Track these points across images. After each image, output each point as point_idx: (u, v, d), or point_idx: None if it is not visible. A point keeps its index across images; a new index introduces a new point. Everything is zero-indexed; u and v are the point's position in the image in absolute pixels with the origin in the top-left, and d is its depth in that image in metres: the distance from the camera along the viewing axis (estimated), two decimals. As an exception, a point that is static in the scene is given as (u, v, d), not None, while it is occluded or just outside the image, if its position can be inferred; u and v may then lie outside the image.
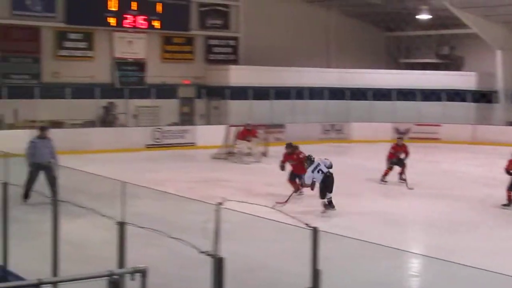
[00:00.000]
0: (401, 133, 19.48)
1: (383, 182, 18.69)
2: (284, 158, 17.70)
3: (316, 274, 5.93)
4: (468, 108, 32.96)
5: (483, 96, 32.68)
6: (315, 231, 5.93)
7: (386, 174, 18.96)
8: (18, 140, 23.70)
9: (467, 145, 29.37)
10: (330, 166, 15.37)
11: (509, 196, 15.02)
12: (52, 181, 14.74)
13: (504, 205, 14.98)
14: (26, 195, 14.64)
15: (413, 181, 17.93)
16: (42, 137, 15.91)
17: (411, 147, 28.40)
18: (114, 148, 25.39)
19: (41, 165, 15.25)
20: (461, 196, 15.99)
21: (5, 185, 9.77)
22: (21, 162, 15.11)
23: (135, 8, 30.46)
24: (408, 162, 19.23)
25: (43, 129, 16.29)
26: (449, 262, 7.15)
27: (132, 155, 22.60)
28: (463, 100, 32.41)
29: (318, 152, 23.62)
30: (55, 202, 8.81)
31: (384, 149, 19.82)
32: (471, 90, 32.73)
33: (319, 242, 6.01)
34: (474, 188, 16.05)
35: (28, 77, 28.36)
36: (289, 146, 17.97)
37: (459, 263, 7.09)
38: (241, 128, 25.09)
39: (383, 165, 18.56)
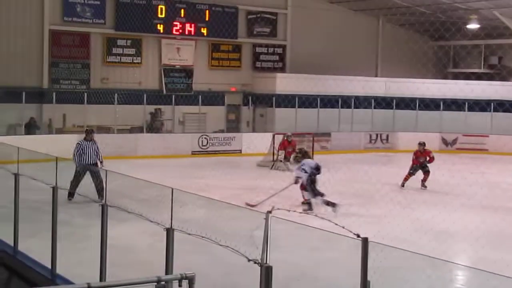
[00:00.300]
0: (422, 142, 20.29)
1: (401, 187, 19.54)
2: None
3: (365, 285, 5.82)
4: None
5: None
6: (365, 241, 5.82)
7: (406, 179, 19.72)
8: (67, 144, 24.20)
9: (517, 157, 28.81)
10: (316, 168, 15.78)
11: None
12: (98, 183, 15.28)
13: None
14: (70, 195, 15.22)
15: (464, 192, 17.63)
16: (88, 139, 17.07)
17: (458, 157, 28.20)
18: (161, 154, 25.54)
19: (86, 166, 16.29)
20: None
21: (55, 189, 9.85)
22: (69, 166, 15.29)
23: (183, 16, 30.65)
24: (457, 172, 18.98)
25: (88, 132, 17.50)
26: (501, 276, 6.97)
27: (178, 161, 22.69)
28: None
29: (364, 161, 23.51)
30: (103, 206, 8.84)
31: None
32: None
33: (369, 252, 5.91)
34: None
35: (77, 82, 28.75)
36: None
37: (508, 276, 6.90)
38: (283, 138, 25.00)
39: (433, 176, 18.30)
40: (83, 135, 17.57)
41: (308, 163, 16.00)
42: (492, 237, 13.09)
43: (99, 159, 16.95)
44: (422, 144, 20.32)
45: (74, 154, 16.90)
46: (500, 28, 31.17)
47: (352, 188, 18.65)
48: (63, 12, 28.26)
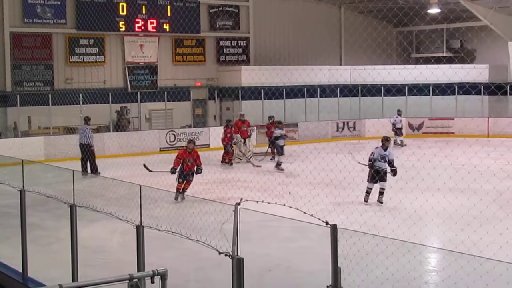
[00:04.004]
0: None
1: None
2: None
3: (336, 272, 5.90)
4: (481, 101, 32.80)
5: (497, 89, 32.45)
6: (334, 228, 5.89)
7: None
8: (33, 147, 24.04)
9: (481, 138, 29.19)
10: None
11: None
12: (89, 160, 21.14)
13: None
14: (83, 170, 20.61)
15: (430, 175, 17.85)
16: (85, 124, 22.02)
17: (425, 141, 28.50)
18: (128, 152, 25.46)
19: (81, 145, 21.45)
20: (479, 189, 15.88)
21: (22, 192, 9.80)
22: (36, 169, 15.18)
23: (145, 12, 30.54)
24: (424, 156, 19.19)
25: (85, 119, 22.43)
26: (468, 256, 7.11)
27: (147, 159, 22.54)
28: (476, 93, 32.19)
29: (332, 149, 23.63)
30: (72, 207, 8.82)
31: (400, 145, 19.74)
32: (484, 83, 32.51)
33: (339, 239, 5.98)
34: (493, 181, 15.92)
35: (41, 84, 28.51)
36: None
37: (479, 256, 7.03)
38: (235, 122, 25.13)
39: (398, 161, 18.49)
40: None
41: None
42: (458, 218, 13.29)
43: (89, 141, 21.42)
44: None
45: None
46: (462, 11, 31.49)
47: (319, 176, 18.78)
48: (23, 13, 27.96)
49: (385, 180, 15.85)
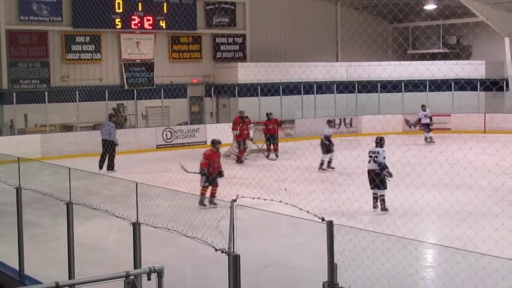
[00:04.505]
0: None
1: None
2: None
3: (332, 268, 5.92)
4: (477, 97, 32.83)
5: (493, 85, 32.48)
6: (330, 224, 5.91)
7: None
8: (29, 144, 24.05)
9: (478, 134, 29.25)
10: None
11: None
12: (108, 155, 21.42)
13: None
14: (100, 166, 21.13)
15: (425, 171, 17.89)
16: (109, 120, 22.65)
17: (420, 137, 28.51)
18: (125, 150, 25.42)
19: (104, 141, 21.64)
20: (475, 185, 15.93)
21: (18, 189, 9.81)
22: (32, 167, 15.20)
23: (141, 9, 30.51)
24: (419, 152, 19.22)
25: (110, 115, 23.66)
26: (464, 251, 7.13)
27: (143, 156, 22.62)
28: (473, 89, 32.22)
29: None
30: (68, 204, 8.83)
31: (394, 141, 19.80)
32: (481, 79, 32.54)
33: (335, 235, 6.00)
34: (488, 177, 15.97)
35: (37, 81, 28.47)
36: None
37: (474, 252, 7.07)
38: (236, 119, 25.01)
39: (394, 158, 18.54)
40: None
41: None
42: (454, 213, 13.33)
43: (111, 137, 21.60)
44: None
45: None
46: (458, 7, 31.49)
47: (315, 173, 18.81)
48: (19, 11, 27.91)
49: (380, 188, 14.72)
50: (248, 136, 23.85)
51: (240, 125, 23.70)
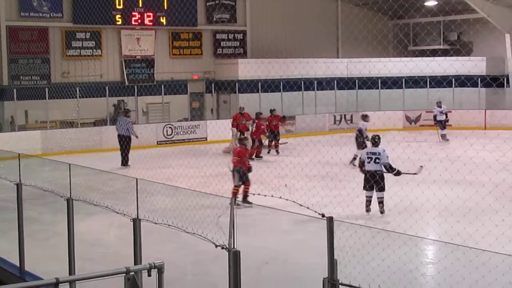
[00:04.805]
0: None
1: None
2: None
3: (332, 264, 5.92)
4: (478, 93, 32.81)
5: (493, 81, 32.46)
6: (330, 220, 5.91)
7: None
8: (30, 141, 24.05)
9: (479, 131, 29.24)
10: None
11: None
12: (123, 149, 21.84)
13: None
14: (122, 162, 21.69)
15: (426, 167, 17.88)
16: (125, 116, 22.74)
17: (421, 134, 28.52)
18: (126, 146, 25.44)
19: (119, 136, 22.02)
20: (476, 181, 15.94)
21: (19, 186, 9.82)
22: (33, 163, 15.20)
23: (141, 5, 30.50)
24: (419, 148, 19.22)
25: (125, 111, 23.66)
26: (464, 247, 7.14)
27: (144, 152, 22.60)
28: (473, 85, 32.20)
29: (329, 142, 23.71)
30: (68, 200, 8.84)
31: (395, 138, 19.79)
32: (481, 75, 32.51)
33: (335, 231, 6.00)
34: (489, 173, 15.96)
35: (38, 78, 28.48)
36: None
37: (475, 248, 7.07)
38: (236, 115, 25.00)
39: (394, 154, 18.55)
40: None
41: None
42: (454, 209, 13.33)
43: (129, 132, 22.03)
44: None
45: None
46: (458, 3, 31.46)
47: (315, 169, 18.79)
48: (20, 7, 27.90)
49: (379, 190, 13.93)
50: (264, 132, 23.77)
51: (256, 121, 23.69)
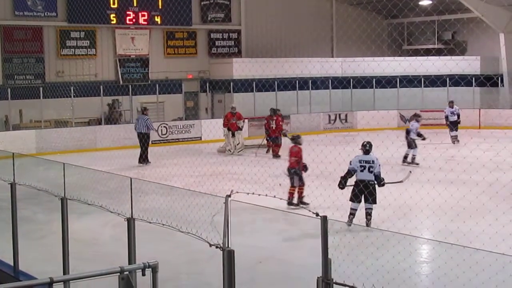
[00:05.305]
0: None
1: None
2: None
3: (326, 263, 5.92)
4: (472, 92, 32.86)
5: (487, 80, 32.52)
6: (324, 219, 5.92)
7: None
8: (24, 140, 24.01)
9: (473, 130, 29.30)
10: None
11: None
12: (143, 147, 21.92)
13: None
14: (140, 160, 21.82)
15: (419, 166, 17.93)
16: (143, 114, 22.87)
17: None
18: (120, 145, 25.45)
19: (138, 134, 22.10)
20: (469, 180, 15.97)
21: (13, 185, 9.80)
22: (27, 162, 15.17)
23: (136, 5, 30.47)
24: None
25: (143, 109, 23.48)
26: (458, 246, 7.16)
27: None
28: (467, 84, 32.23)
29: (323, 141, 23.70)
30: (63, 200, 8.83)
31: (389, 137, 19.76)
32: (475, 75, 32.56)
33: (329, 230, 6.01)
34: (482, 172, 16.00)
35: (32, 77, 28.43)
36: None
37: (468, 247, 7.09)
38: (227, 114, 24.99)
39: (388, 153, 18.58)
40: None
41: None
42: (448, 209, 13.36)
43: (148, 129, 22.30)
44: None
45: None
46: (453, 2, 31.50)
47: (309, 168, 18.78)
48: (14, 6, 27.84)
49: (371, 202, 12.80)
50: (282, 128, 23.82)
51: (275, 118, 23.69)
